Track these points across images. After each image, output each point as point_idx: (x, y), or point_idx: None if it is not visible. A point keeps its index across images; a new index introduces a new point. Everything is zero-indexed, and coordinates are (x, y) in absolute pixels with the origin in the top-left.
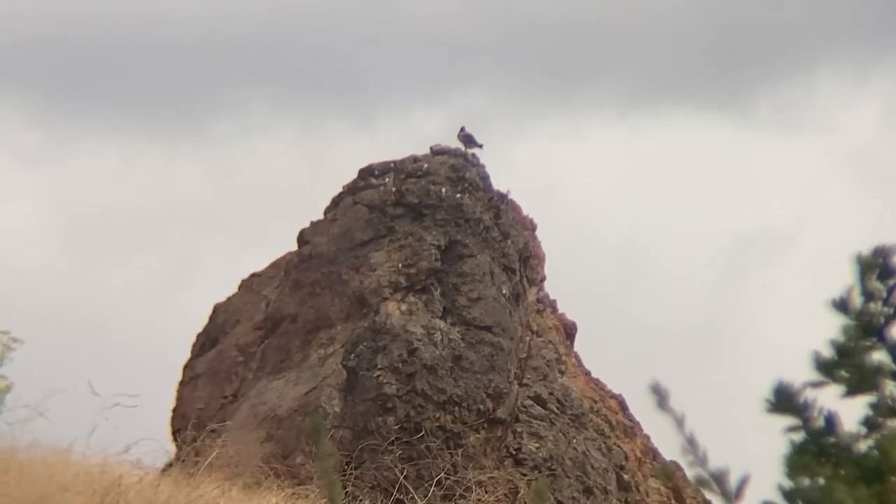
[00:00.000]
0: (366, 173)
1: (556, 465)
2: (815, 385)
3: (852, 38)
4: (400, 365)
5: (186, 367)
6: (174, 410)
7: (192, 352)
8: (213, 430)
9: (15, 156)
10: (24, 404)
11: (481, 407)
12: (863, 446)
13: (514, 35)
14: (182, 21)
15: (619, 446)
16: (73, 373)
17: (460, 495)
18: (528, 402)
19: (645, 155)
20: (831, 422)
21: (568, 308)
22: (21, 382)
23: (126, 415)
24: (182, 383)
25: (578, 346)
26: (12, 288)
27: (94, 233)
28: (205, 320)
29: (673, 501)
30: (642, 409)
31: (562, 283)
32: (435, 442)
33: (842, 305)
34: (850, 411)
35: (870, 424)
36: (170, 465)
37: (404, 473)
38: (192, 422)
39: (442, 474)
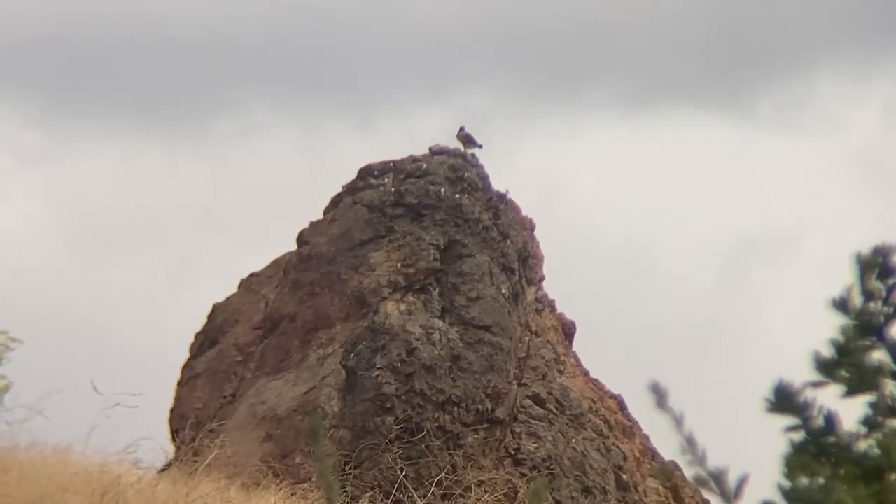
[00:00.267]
0: (365, 173)
1: (554, 465)
2: (815, 385)
3: (853, 37)
4: (399, 365)
5: (185, 367)
6: (173, 410)
7: (191, 352)
8: (211, 430)
9: (15, 156)
10: (24, 404)
11: (480, 407)
12: (863, 446)
13: (514, 35)
14: (182, 21)
15: (617, 446)
16: (72, 373)
17: (459, 495)
18: (527, 402)
19: (646, 155)
20: (831, 421)
21: (568, 308)
22: (20, 382)
23: (125, 415)
24: (181, 383)
25: (578, 346)
26: (12, 288)
27: (94, 233)
28: (204, 320)
29: (671, 501)
30: (641, 410)
31: (562, 283)
32: (434, 442)
33: (841, 305)
34: (851, 411)
35: (870, 424)
36: (169, 464)
37: (403, 473)
38: (190, 422)
39: (441, 474)
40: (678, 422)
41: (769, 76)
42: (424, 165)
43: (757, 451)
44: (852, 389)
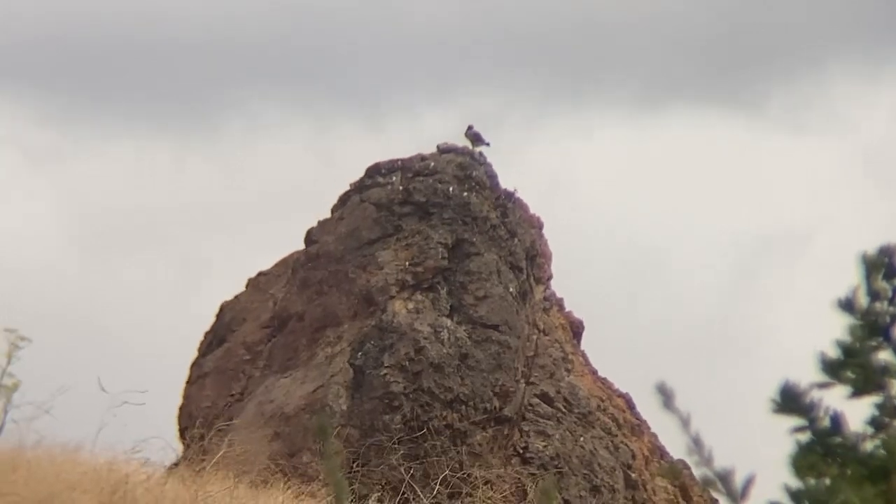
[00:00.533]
0: (373, 172)
1: (563, 464)
2: (822, 386)
3: (863, 37)
4: (407, 363)
5: (194, 366)
6: (181, 409)
7: (200, 350)
8: (220, 429)
9: (23, 155)
10: (31, 402)
11: (488, 405)
12: (869, 446)
13: (522, 35)
14: (191, 21)
15: (626, 445)
16: (78, 372)
17: (467, 493)
18: (535, 400)
19: (654, 154)
20: (837, 422)
21: (576, 307)
22: (28, 381)
23: (133, 413)
24: (189, 382)
25: (587, 344)
26: (20, 287)
27: (100, 232)
28: (212, 319)
29: (680, 500)
30: (649, 408)
31: (571, 281)
32: (442, 440)
33: (847, 305)
34: (858, 411)
35: (876, 424)
36: (177, 463)
37: (411, 471)
38: (199, 420)
39: (449, 472)
40: (685, 422)
41: (778, 76)
42: (432, 164)
43: (765, 452)
44: (858, 390)
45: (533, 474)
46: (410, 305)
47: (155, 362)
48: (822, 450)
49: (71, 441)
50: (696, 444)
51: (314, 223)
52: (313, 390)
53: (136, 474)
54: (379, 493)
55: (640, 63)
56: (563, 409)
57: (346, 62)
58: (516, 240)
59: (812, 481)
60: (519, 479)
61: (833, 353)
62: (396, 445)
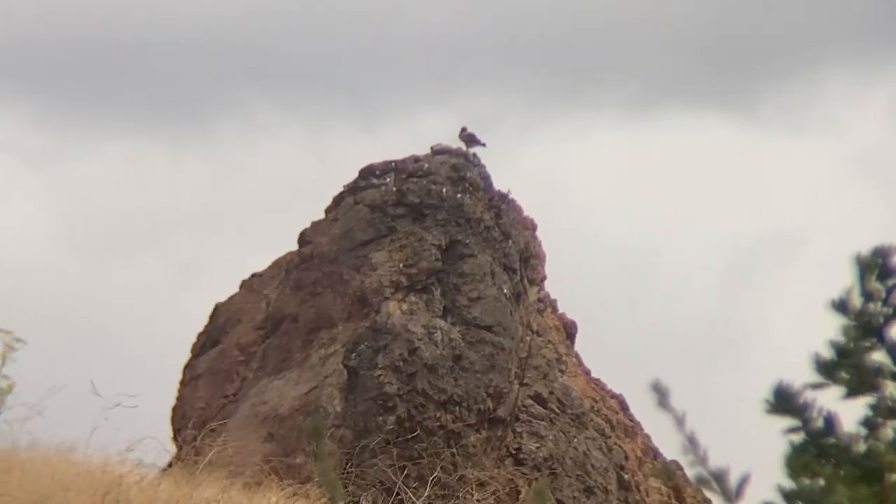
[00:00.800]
0: (367, 173)
1: (556, 465)
2: (816, 386)
3: (859, 38)
4: (401, 364)
5: (187, 367)
6: (175, 410)
7: (193, 351)
8: (213, 430)
9: (20, 157)
10: (25, 403)
11: (482, 406)
12: (861, 447)
13: (519, 37)
14: (186, 22)
15: (619, 446)
16: (73, 373)
17: (461, 494)
18: (529, 401)
19: (649, 156)
20: (831, 422)
21: (575, 309)
22: (22, 382)
23: (127, 414)
24: (183, 383)
25: (584, 346)
26: (15, 288)
27: (96, 233)
28: (206, 320)
29: (674, 501)
30: (643, 409)
31: (565, 283)
32: (435, 441)
33: (841, 306)
34: (852, 412)
35: (869, 425)
36: (171, 464)
37: (405, 472)
38: (192, 421)
39: (442, 473)
40: (680, 421)
41: (774, 77)
42: (426, 165)
43: (760, 453)
44: (852, 391)
45: (526, 475)
46: (404, 307)
47: (154, 363)
48: (815, 450)
49: (65, 442)
50: (691, 442)
51: (309, 224)
52: (307, 391)
53: (130, 475)
54: (373, 494)
55: (638, 65)
56: (557, 410)
57: (343, 63)
58: (510, 241)
59: (806, 482)
60: (512, 480)
61: (827, 353)
62: (390, 446)
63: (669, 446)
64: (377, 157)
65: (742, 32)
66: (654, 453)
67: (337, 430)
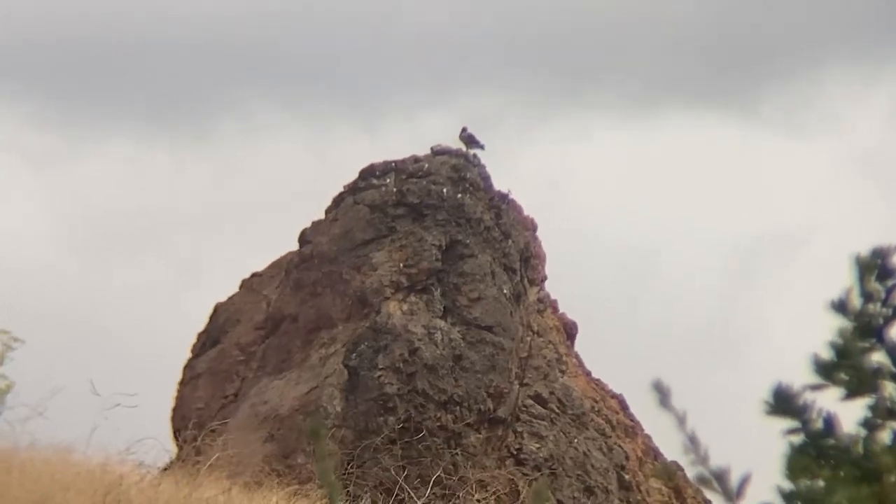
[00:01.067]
0: (367, 173)
1: (556, 465)
2: (815, 387)
3: (859, 38)
4: (401, 364)
5: (187, 367)
6: (175, 410)
7: (193, 351)
8: (213, 430)
9: (21, 156)
10: (25, 404)
11: (482, 406)
12: (860, 448)
13: (519, 37)
14: (189, 23)
15: (619, 446)
16: (73, 373)
17: (461, 495)
18: (529, 401)
19: (650, 156)
20: (830, 424)
21: (575, 309)
22: (22, 382)
23: (127, 415)
24: (182, 383)
25: (585, 346)
26: (15, 288)
27: (97, 233)
28: (206, 320)
29: (674, 501)
30: (643, 410)
31: (565, 283)
32: (436, 441)
33: (840, 307)
34: (852, 412)
35: (869, 426)
36: (171, 464)
37: (405, 473)
38: (192, 421)
39: (443, 474)
40: (681, 421)
41: (774, 77)
42: (426, 165)
43: (760, 453)
44: (852, 392)
45: (527, 475)
46: (404, 307)
47: (154, 363)
48: (815, 451)
49: (65, 442)
50: (692, 442)
51: (309, 224)
52: (307, 392)
53: (130, 475)
54: (373, 494)
55: (638, 65)
56: (557, 411)
57: (343, 63)
58: (510, 241)
59: (805, 483)
60: (513, 480)
61: (826, 354)
62: (391, 447)
63: (670, 446)
64: (377, 157)
65: (742, 32)
66: (655, 453)
67: (337, 431)
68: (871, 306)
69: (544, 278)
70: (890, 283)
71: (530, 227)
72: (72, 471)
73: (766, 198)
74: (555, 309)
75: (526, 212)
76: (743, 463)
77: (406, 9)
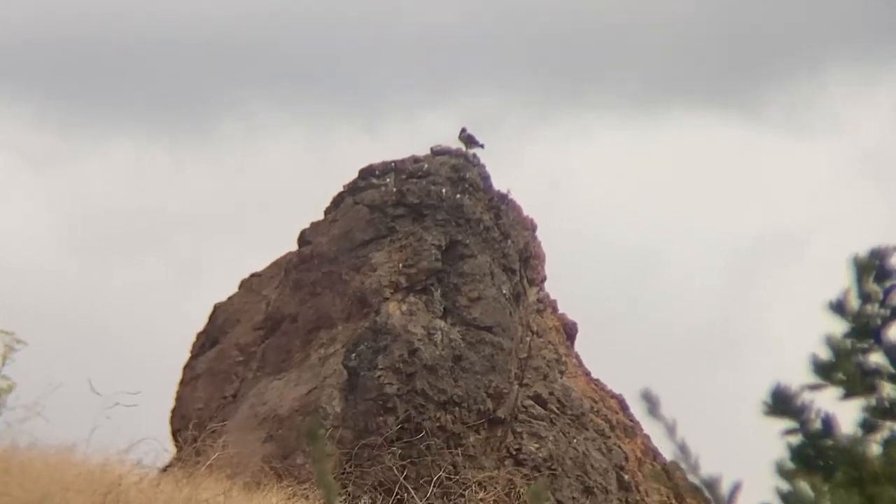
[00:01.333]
0: (366, 173)
1: (556, 465)
2: (813, 388)
3: (862, 38)
4: (400, 365)
5: (186, 367)
6: (174, 410)
7: (192, 352)
8: (213, 430)
9: (21, 157)
10: (25, 404)
11: (481, 407)
12: (858, 449)
13: (521, 37)
14: (189, 23)
15: (619, 446)
16: (73, 373)
17: (460, 495)
18: (529, 402)
19: (652, 156)
20: (829, 424)
21: (576, 309)
22: (27, 382)
23: (126, 415)
24: (182, 383)
25: (585, 347)
26: (15, 288)
27: (101, 233)
28: (205, 320)
29: (673, 501)
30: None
31: (566, 283)
32: (435, 442)
33: (839, 308)
34: (850, 412)
35: (867, 427)
36: (170, 464)
37: (405, 473)
38: (192, 422)
39: (442, 474)
40: (671, 430)
41: (774, 77)
42: (426, 165)
43: (760, 453)
44: (850, 392)
45: (526, 476)
46: (404, 307)
47: (154, 363)
48: (813, 452)
49: (65, 442)
50: (682, 451)
51: (309, 225)
52: (307, 392)
53: (130, 475)
54: (372, 495)
55: (638, 64)
56: (557, 411)
57: (343, 63)
58: (510, 241)
59: (802, 484)
60: (512, 480)
61: (824, 355)
62: (390, 447)
63: (669, 447)
64: (377, 157)
65: (742, 32)
66: (654, 454)
67: (337, 431)
68: (869, 307)
69: (544, 278)
70: (888, 284)
71: (530, 227)
72: (71, 471)
73: (766, 198)
74: (554, 309)
75: (525, 212)
76: (743, 462)
77: (406, 9)
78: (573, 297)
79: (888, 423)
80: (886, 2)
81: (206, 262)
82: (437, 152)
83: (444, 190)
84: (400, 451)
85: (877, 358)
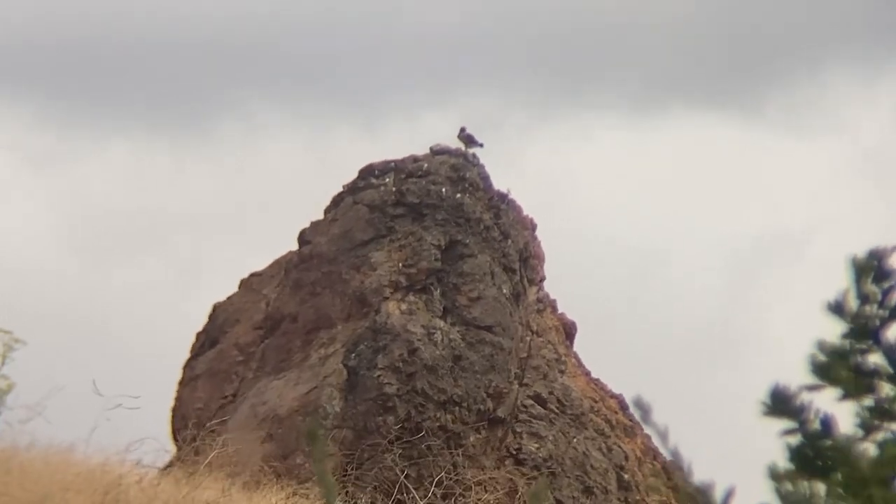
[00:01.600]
0: (366, 173)
1: (556, 465)
2: (812, 388)
3: (863, 38)
4: (400, 365)
5: (186, 367)
6: (174, 410)
7: (192, 351)
8: (212, 430)
9: (22, 157)
10: (25, 404)
11: (481, 407)
12: (856, 451)
13: (521, 37)
14: (187, 22)
15: (619, 446)
16: (73, 373)
17: (460, 495)
18: (529, 401)
19: (652, 156)
20: (828, 425)
21: (577, 309)
22: (22, 383)
23: (126, 415)
24: (182, 383)
25: (586, 346)
26: (15, 288)
27: (101, 233)
28: (205, 320)
29: (673, 501)
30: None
31: (567, 283)
32: (435, 442)
33: (837, 308)
34: (849, 413)
35: (866, 427)
36: (170, 464)
37: (405, 473)
38: (192, 421)
39: (442, 474)
40: (663, 436)
41: (775, 77)
42: (425, 165)
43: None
44: (849, 393)
45: (526, 476)
46: (404, 307)
47: (154, 363)
48: (812, 452)
49: (64, 442)
50: (675, 457)
51: (308, 224)
52: (307, 392)
53: (130, 475)
54: (372, 495)
55: (638, 64)
56: (556, 411)
57: (343, 63)
58: (509, 241)
59: (801, 484)
60: (512, 480)
61: (822, 355)
62: (390, 447)
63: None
64: (377, 157)
65: (742, 32)
66: (654, 453)
67: (337, 431)
68: (867, 308)
69: (543, 278)
70: (886, 284)
71: (529, 226)
72: (71, 471)
73: (766, 198)
74: (554, 309)
75: (525, 212)
76: (743, 463)
77: (406, 9)
78: (573, 296)
79: (887, 424)
80: (886, 2)
81: (206, 262)
82: (436, 152)
83: (443, 189)
84: (400, 451)
85: (875, 359)
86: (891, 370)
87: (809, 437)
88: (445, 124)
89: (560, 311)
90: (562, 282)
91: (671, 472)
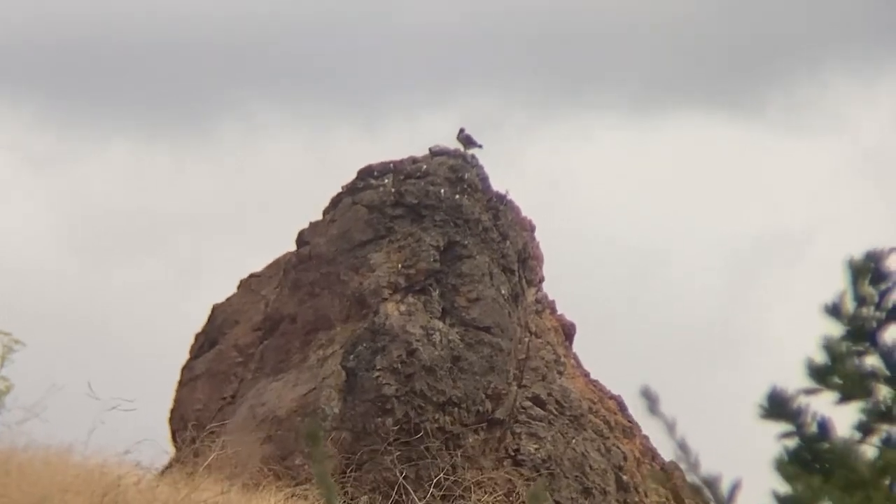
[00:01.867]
0: (365, 174)
1: (554, 466)
2: (809, 391)
3: (863, 38)
4: (399, 366)
5: (185, 368)
6: (173, 411)
7: (191, 353)
8: (212, 431)
9: (22, 157)
10: (23, 405)
11: (480, 408)
12: (854, 452)
13: (521, 37)
14: (187, 22)
15: (617, 447)
16: (72, 373)
17: (459, 496)
18: (527, 402)
19: (652, 156)
20: (825, 428)
21: (576, 310)
22: (27, 383)
23: (125, 416)
24: (181, 384)
25: (585, 347)
26: (15, 288)
27: (101, 234)
28: (203, 321)
29: (672, 502)
30: (641, 410)
31: (566, 284)
32: (434, 443)
33: (834, 310)
34: (846, 416)
35: (863, 430)
36: (169, 465)
37: (403, 474)
38: (190, 423)
39: (441, 475)
40: (670, 427)
41: (778, 77)
42: (424, 166)
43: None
44: (846, 396)
45: (525, 477)
46: (402, 308)
47: (154, 363)
48: (809, 456)
49: (63, 443)
50: (682, 449)
51: (307, 225)
52: (305, 393)
53: (128, 477)
54: (371, 496)
55: (639, 64)
56: (555, 412)
57: (344, 63)
58: (508, 242)
59: (799, 486)
60: (511, 481)
61: (820, 358)
62: (389, 448)
63: (668, 447)
64: (377, 157)
65: (743, 32)
66: (653, 454)
67: (335, 432)
68: (864, 310)
69: (542, 279)
70: (883, 286)
71: (528, 227)
72: (70, 472)
73: (766, 198)
74: (553, 310)
75: (524, 212)
76: (743, 463)
77: (406, 9)
78: (572, 297)
79: (884, 426)
80: (886, 2)
81: (206, 262)
82: (435, 153)
83: (442, 190)
84: (399, 452)
85: (873, 361)
86: (888, 372)
87: (807, 439)
88: (445, 124)
89: (559, 312)
90: (561, 282)
91: (671, 473)
